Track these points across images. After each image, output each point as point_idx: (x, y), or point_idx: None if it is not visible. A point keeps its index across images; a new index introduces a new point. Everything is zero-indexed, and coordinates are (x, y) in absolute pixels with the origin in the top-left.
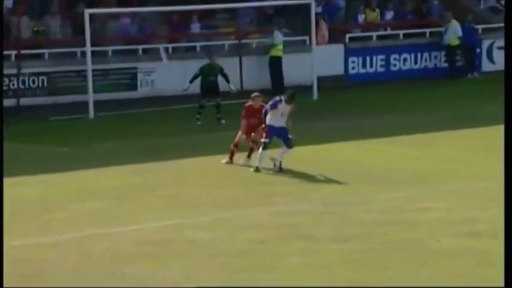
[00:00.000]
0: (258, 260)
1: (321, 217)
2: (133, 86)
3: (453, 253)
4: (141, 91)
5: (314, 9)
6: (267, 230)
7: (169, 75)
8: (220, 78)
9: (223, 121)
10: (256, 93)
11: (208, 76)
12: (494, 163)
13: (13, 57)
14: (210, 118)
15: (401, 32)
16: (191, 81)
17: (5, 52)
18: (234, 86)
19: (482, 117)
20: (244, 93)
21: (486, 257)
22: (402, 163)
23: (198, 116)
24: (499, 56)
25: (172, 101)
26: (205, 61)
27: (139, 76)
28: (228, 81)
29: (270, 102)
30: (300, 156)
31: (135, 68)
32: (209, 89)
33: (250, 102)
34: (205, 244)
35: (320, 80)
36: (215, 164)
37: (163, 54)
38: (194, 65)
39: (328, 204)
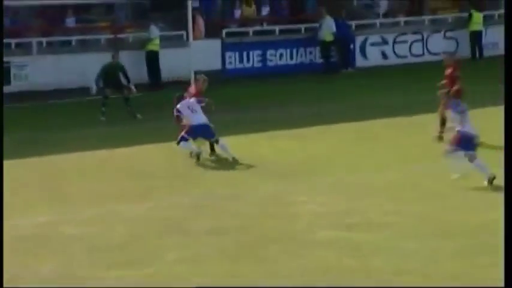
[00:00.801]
0: (134, 255)
1: (198, 210)
2: (6, 81)
3: (326, 245)
4: (15, 85)
5: (190, 4)
6: (143, 225)
7: (43, 69)
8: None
9: (138, 115)
10: (202, 75)
11: (111, 74)
12: (371, 156)
13: None
14: (89, 112)
15: (277, 28)
16: (96, 83)
17: None
18: (133, 86)
19: (358, 110)
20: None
21: (358, 248)
22: (279, 156)
23: (103, 109)
24: (372, 52)
25: (47, 96)
26: (80, 56)
27: (13, 70)
28: (128, 81)
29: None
30: (178, 150)
31: (8, 62)
32: (112, 84)
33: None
34: (81, 239)
35: (198, 74)
36: (92, 159)
37: (34, 49)
38: (69, 59)
39: (206, 197)
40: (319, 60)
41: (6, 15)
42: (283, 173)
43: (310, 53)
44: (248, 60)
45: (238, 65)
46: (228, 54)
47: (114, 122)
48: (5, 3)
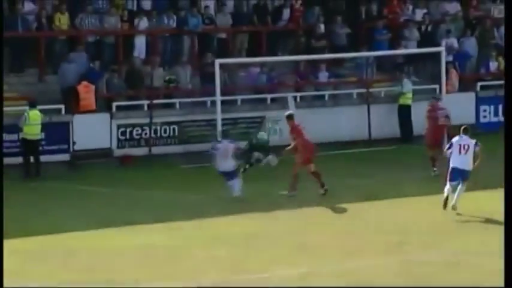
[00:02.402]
0: None
1: (453, 267)
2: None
3: None
4: (270, 139)
5: (444, 57)
6: (396, 280)
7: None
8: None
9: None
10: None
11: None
12: None
13: (146, 107)
14: (338, 168)
15: None
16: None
17: (138, 102)
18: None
19: None
20: (373, 142)
21: None
22: None
23: (246, 166)
24: None
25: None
26: (332, 110)
27: (267, 124)
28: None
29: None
30: (432, 204)
31: (264, 116)
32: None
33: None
34: None
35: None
36: (343, 212)
37: (291, 103)
38: (322, 113)
39: (460, 253)
40: None
41: (262, 71)
42: None
43: None
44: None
45: (493, 119)
46: (482, 107)
47: (363, 175)
48: (262, 59)
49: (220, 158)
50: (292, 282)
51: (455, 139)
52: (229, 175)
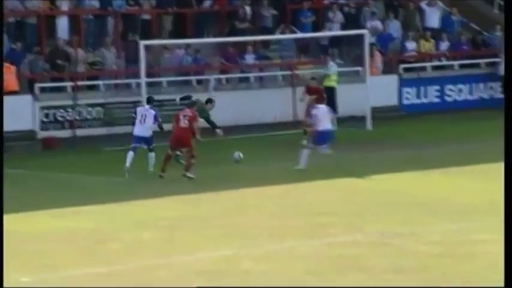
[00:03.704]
0: None
1: (376, 248)
2: None
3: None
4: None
5: (368, 40)
6: (321, 262)
7: (222, 105)
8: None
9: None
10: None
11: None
12: None
13: (69, 89)
14: (267, 147)
15: (456, 63)
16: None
17: (62, 84)
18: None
19: None
20: (298, 124)
21: None
22: (456, 194)
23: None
24: None
25: (226, 132)
26: (258, 92)
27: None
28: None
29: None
30: (355, 187)
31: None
32: None
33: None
34: (259, 275)
35: (374, 110)
36: (269, 194)
37: (211, 86)
38: (247, 96)
39: (383, 235)
40: (500, 96)
41: (188, 53)
42: (460, 210)
43: (491, 88)
44: (426, 95)
45: (416, 101)
46: (405, 89)
47: (289, 158)
48: (188, 41)
49: (138, 122)
50: (218, 265)
51: (320, 110)
52: (144, 141)
